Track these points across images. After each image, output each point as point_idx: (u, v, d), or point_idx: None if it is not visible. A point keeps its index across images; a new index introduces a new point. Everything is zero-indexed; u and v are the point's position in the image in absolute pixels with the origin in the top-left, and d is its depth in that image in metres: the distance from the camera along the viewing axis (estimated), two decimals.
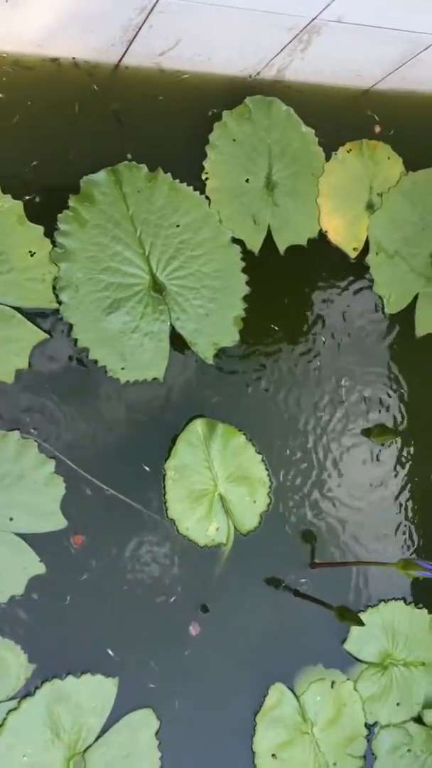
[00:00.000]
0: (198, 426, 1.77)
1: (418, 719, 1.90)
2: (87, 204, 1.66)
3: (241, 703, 1.78)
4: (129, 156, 1.71)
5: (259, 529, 1.82)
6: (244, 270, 1.81)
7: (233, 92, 1.85)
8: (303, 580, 1.85)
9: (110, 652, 1.67)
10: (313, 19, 1.58)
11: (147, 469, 1.74)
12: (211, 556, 1.78)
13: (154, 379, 1.74)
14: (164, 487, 1.74)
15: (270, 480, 1.83)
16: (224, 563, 1.78)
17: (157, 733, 1.66)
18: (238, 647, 1.79)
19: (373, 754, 1.86)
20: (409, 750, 1.89)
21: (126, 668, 1.67)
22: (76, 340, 1.66)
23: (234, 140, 1.81)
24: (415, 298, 2.00)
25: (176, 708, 1.71)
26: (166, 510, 1.73)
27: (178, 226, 1.75)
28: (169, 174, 1.73)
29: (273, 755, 1.75)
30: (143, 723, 1.65)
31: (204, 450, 1.77)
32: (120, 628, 1.69)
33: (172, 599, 1.74)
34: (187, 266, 1.77)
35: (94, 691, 1.62)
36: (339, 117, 1.96)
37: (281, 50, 1.72)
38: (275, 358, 1.89)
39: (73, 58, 1.69)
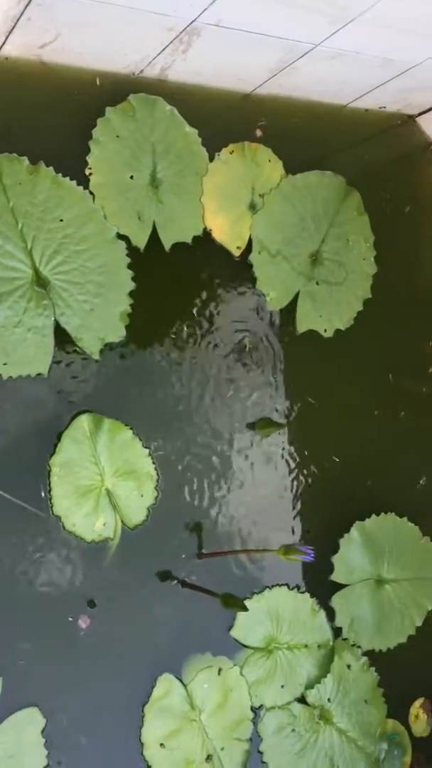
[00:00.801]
0: (84, 421, 1.77)
1: (302, 699, 1.98)
2: None
3: (129, 695, 1.79)
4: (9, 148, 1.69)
5: (147, 522, 1.83)
6: (130, 266, 1.83)
7: (117, 89, 1.86)
8: (190, 570, 1.89)
9: None
10: (193, 21, 1.62)
11: (31, 465, 1.72)
12: (99, 550, 1.78)
13: (39, 374, 1.72)
14: (50, 484, 1.72)
15: (157, 474, 1.85)
16: (112, 557, 1.79)
17: (43, 731, 1.64)
18: (126, 640, 1.80)
19: (259, 736, 1.91)
20: (293, 730, 1.96)
21: (8, 668, 1.64)
22: None
23: (118, 137, 1.83)
24: (296, 296, 2.08)
25: (63, 704, 1.70)
26: (52, 506, 1.72)
27: (61, 220, 1.74)
28: (51, 168, 1.72)
29: (161, 744, 1.77)
30: (28, 721, 1.62)
31: (90, 445, 1.77)
32: (3, 625, 1.66)
33: (59, 595, 1.72)
34: (72, 261, 1.76)
35: None
36: (222, 119, 2.02)
37: (162, 50, 1.75)
38: (161, 354, 1.92)
39: None
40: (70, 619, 1.73)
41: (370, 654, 2.09)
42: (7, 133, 1.73)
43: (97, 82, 1.83)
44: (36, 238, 1.71)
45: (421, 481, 2.26)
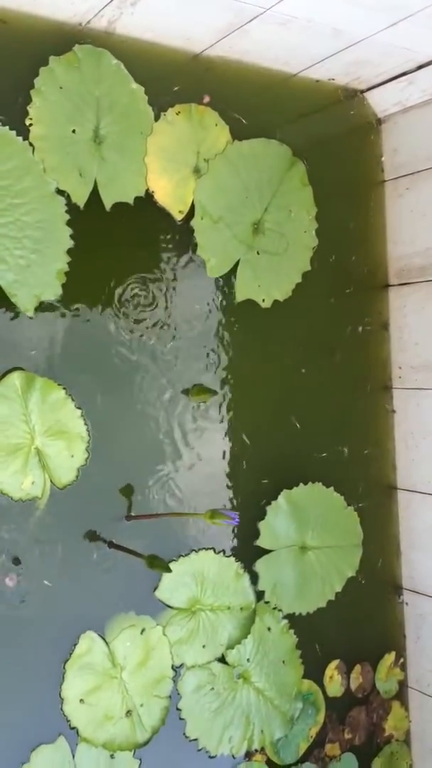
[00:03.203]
0: (15, 379, 1.74)
1: (222, 659, 2.03)
2: None
3: (52, 652, 1.80)
4: None
5: (77, 483, 1.83)
6: (69, 223, 1.79)
7: (63, 39, 1.80)
8: (119, 532, 1.90)
9: None
10: None
11: None
12: (26, 509, 1.77)
13: None
14: None
15: (89, 435, 1.84)
16: (40, 516, 1.78)
17: None
18: (51, 599, 1.80)
19: (178, 694, 1.96)
20: (212, 688, 2.01)
21: None
22: None
23: (61, 88, 1.77)
24: (236, 264, 2.09)
25: None
26: None
27: None
28: None
29: (81, 700, 1.79)
30: None
31: (21, 403, 1.75)
32: None
33: None
34: (8, 214, 1.71)
35: None
36: (170, 78, 1.98)
37: (110, 0, 1.70)
38: (97, 314, 1.90)
39: None
40: None
41: (290, 617, 2.16)
42: None
43: (42, 30, 1.77)
44: None
45: (348, 451, 2.32)
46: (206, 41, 1.93)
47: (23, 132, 1.73)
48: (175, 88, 1.97)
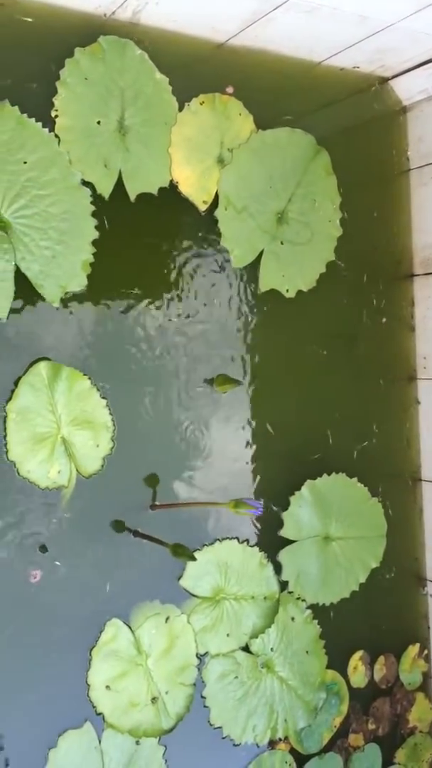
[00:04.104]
0: (42, 369, 1.76)
1: (246, 648, 2.04)
2: None
3: (78, 639, 1.82)
4: None
5: (102, 472, 1.84)
6: (94, 214, 1.80)
7: (88, 30, 1.81)
8: (143, 521, 1.91)
9: None
10: None
11: None
12: (52, 497, 1.79)
13: None
14: (5, 429, 1.72)
15: (114, 425, 1.86)
16: (66, 505, 1.80)
17: None
18: (77, 587, 1.82)
19: (203, 682, 1.97)
20: (236, 677, 2.02)
21: None
22: None
23: (86, 79, 1.78)
24: (260, 254, 2.08)
25: (12, 645, 1.72)
26: (7, 452, 1.72)
27: (25, 163, 1.70)
28: (16, 107, 1.68)
29: (107, 687, 1.81)
30: None
31: (47, 393, 1.76)
32: None
33: (12, 540, 1.74)
34: (34, 205, 1.73)
35: None
36: (194, 68, 1.98)
37: None
38: (123, 305, 1.91)
39: None
40: (23, 563, 1.75)
41: (314, 607, 2.16)
42: None
43: (68, 22, 1.77)
44: None
45: (373, 442, 2.31)
46: (230, 30, 1.92)
47: (49, 124, 1.74)
48: (199, 79, 1.97)
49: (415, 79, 2.24)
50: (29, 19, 1.74)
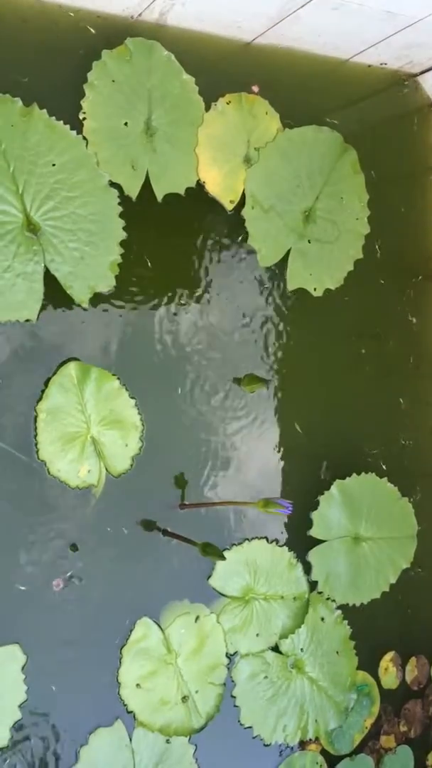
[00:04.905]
0: (71, 369, 1.77)
1: (275, 648, 2.03)
2: None
3: (108, 638, 1.83)
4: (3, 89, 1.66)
5: (131, 471, 1.85)
6: (122, 215, 1.81)
7: (115, 32, 1.82)
8: (172, 520, 1.92)
9: None
10: None
11: (18, 410, 1.73)
12: (83, 497, 1.81)
13: (27, 320, 1.72)
14: (36, 429, 1.74)
15: (142, 424, 1.86)
16: (96, 504, 1.82)
17: (23, 668, 1.69)
18: (107, 585, 1.83)
19: (233, 681, 1.97)
20: (265, 677, 2.02)
21: None
22: None
23: (113, 81, 1.79)
24: (288, 253, 2.08)
25: (44, 643, 1.74)
26: (38, 451, 1.74)
27: (53, 165, 1.72)
28: (45, 110, 1.69)
29: (137, 685, 1.82)
30: (9, 658, 1.66)
31: (77, 393, 1.78)
32: None
33: (43, 539, 1.75)
34: (63, 207, 1.74)
35: None
36: (220, 68, 1.98)
37: None
38: (151, 305, 1.92)
39: None
40: (54, 561, 1.76)
41: (344, 608, 2.14)
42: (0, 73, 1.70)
43: (95, 24, 1.80)
44: (27, 183, 1.69)
45: (402, 442, 2.29)
46: (257, 29, 1.92)
47: (77, 126, 1.76)
48: (225, 78, 1.97)
49: None
50: (56, 23, 1.77)
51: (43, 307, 1.74)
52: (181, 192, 1.92)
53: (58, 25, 1.77)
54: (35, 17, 1.75)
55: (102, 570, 1.83)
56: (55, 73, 1.78)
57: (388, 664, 2.27)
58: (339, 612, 2.13)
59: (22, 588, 1.73)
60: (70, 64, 1.78)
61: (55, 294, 1.77)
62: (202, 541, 1.81)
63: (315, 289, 2.12)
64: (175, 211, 1.93)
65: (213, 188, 1.97)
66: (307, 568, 2.08)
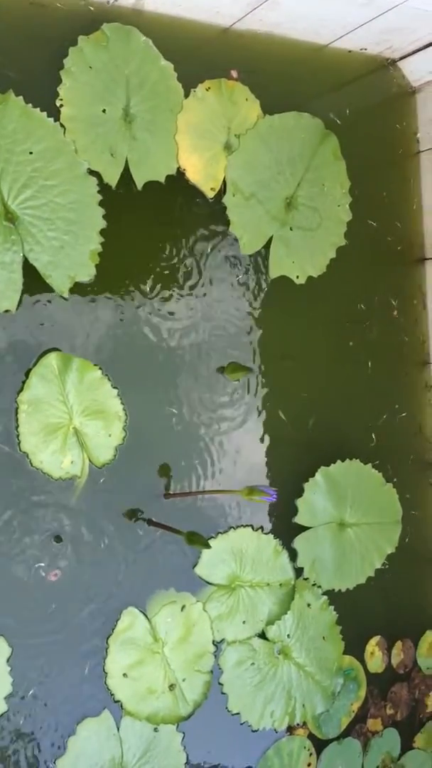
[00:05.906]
0: (52, 359, 1.76)
1: (262, 635, 2.04)
2: None
3: (94, 628, 1.83)
4: None
5: (115, 462, 1.85)
6: (101, 203, 1.79)
7: (91, 18, 1.80)
8: (157, 510, 1.91)
9: None
10: None
11: None
12: (66, 488, 1.80)
13: (6, 311, 1.70)
14: (17, 421, 1.73)
15: (126, 414, 1.86)
16: (79, 495, 1.81)
17: (8, 660, 1.68)
18: (93, 576, 1.83)
19: (219, 669, 1.98)
20: (252, 663, 2.03)
21: None
22: None
23: (90, 67, 1.77)
24: (270, 240, 2.07)
25: (29, 635, 1.74)
26: (19, 443, 1.73)
27: (30, 153, 1.69)
28: (21, 98, 1.67)
29: (124, 674, 1.82)
30: None
31: (59, 384, 1.77)
32: None
33: (26, 530, 1.75)
34: (41, 196, 1.72)
35: None
36: (199, 54, 1.96)
37: None
38: (132, 294, 1.90)
39: None
40: (37, 553, 1.76)
41: (329, 593, 2.16)
42: None
43: (71, 10, 1.77)
44: (4, 171, 1.66)
45: (387, 427, 2.30)
46: (236, 14, 1.91)
47: (54, 113, 1.74)
48: (204, 64, 1.95)
49: (423, 60, 2.21)
50: (31, 9, 1.74)
51: (22, 298, 1.73)
52: (162, 180, 1.90)
53: (33, 10, 1.75)
54: (9, 3, 1.72)
55: (87, 560, 1.82)
56: (30, 59, 1.75)
57: (374, 648, 2.28)
58: (325, 598, 2.15)
59: (7, 580, 1.73)
60: (46, 50, 1.75)
61: (34, 284, 1.75)
62: (188, 530, 1.81)
63: (297, 277, 2.11)
64: (155, 199, 1.91)
65: (194, 176, 1.95)
66: (293, 555, 2.08)
